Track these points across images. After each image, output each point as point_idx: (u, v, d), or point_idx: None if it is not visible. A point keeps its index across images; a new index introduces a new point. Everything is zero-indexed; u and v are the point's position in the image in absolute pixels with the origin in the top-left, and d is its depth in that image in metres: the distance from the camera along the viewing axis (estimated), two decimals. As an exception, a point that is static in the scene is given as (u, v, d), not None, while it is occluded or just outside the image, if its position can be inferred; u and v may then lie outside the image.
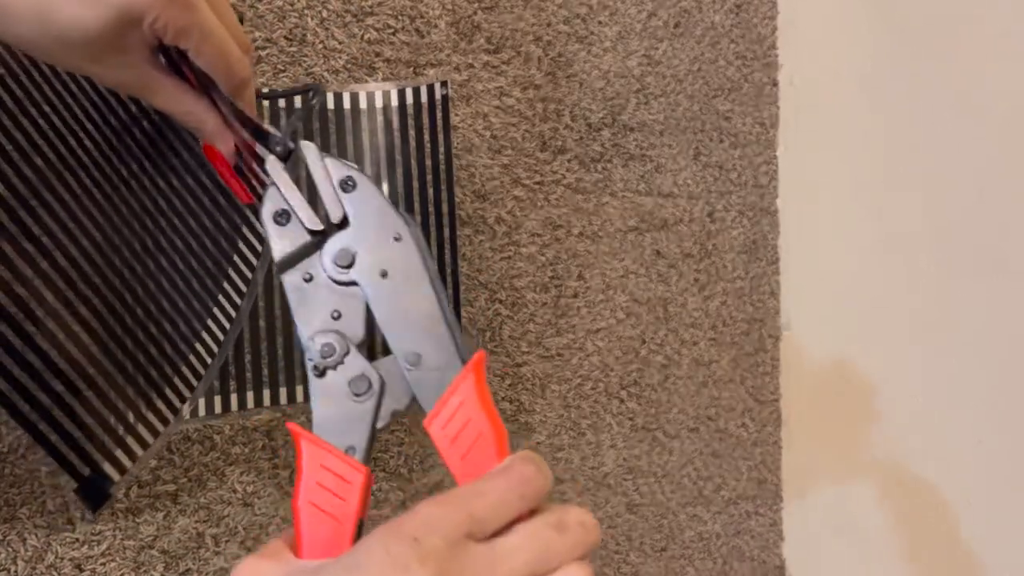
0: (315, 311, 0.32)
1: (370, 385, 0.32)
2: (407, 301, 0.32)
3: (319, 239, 0.32)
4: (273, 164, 0.33)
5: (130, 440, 0.41)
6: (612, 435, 0.85)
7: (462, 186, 0.77)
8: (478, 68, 0.78)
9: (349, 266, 0.32)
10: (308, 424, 0.32)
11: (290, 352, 0.60)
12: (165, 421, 0.40)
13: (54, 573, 0.60)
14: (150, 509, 0.63)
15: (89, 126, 0.39)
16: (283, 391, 0.62)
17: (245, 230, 0.40)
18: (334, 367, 0.31)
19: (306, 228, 0.32)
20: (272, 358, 0.59)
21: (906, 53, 0.87)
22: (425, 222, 0.64)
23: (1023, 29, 0.77)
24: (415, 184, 0.64)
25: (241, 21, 0.48)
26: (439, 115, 0.64)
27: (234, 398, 0.59)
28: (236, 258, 0.40)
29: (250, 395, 0.60)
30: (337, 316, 0.32)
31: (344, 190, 0.33)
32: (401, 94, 0.63)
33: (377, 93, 0.63)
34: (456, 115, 0.77)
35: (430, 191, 0.65)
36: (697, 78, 0.92)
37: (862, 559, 0.91)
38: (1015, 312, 0.78)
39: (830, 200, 0.94)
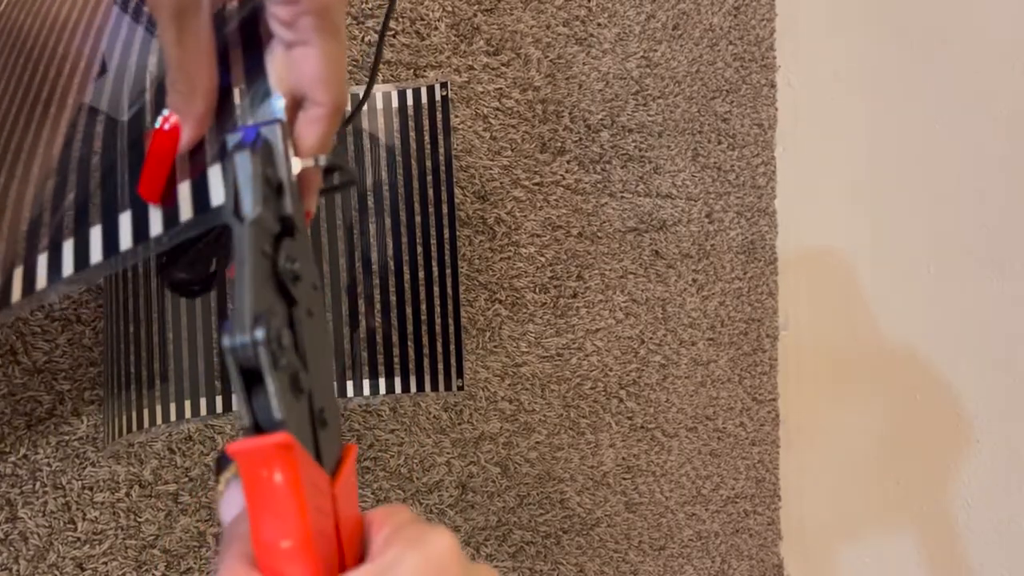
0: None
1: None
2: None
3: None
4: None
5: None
6: (611, 434, 0.85)
7: (462, 187, 0.77)
8: (478, 70, 0.78)
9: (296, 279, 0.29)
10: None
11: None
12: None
13: (56, 572, 0.60)
14: (151, 508, 0.64)
15: None
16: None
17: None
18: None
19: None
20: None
21: (904, 55, 0.87)
22: (425, 222, 0.64)
23: (1022, 28, 0.78)
24: (415, 184, 0.64)
25: None
26: (439, 116, 0.64)
27: (235, 397, 0.59)
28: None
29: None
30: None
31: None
32: (401, 96, 0.64)
33: (378, 95, 0.63)
34: (456, 116, 0.77)
35: (430, 191, 0.65)
36: (695, 80, 0.92)
37: (859, 558, 0.91)
38: (1014, 312, 0.78)
39: (828, 201, 0.95)
